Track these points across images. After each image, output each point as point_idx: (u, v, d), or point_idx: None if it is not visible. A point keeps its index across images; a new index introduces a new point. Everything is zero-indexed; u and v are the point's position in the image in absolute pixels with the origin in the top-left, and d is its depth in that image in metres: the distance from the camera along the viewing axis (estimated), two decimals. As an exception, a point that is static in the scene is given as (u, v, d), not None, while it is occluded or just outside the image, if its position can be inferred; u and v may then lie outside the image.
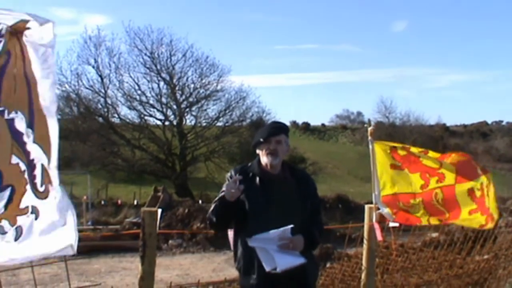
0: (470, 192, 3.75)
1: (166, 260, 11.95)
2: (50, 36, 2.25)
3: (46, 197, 2.31)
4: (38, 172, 2.28)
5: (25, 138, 2.23)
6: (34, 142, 2.26)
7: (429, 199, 3.81)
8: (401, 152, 3.91)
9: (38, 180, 2.28)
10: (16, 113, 2.19)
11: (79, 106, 29.09)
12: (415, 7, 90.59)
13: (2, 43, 2.13)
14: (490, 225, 3.74)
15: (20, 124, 2.21)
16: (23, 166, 2.23)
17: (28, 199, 2.26)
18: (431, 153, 3.91)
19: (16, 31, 2.17)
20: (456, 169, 3.79)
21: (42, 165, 2.30)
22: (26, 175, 2.24)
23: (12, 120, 2.18)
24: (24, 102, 2.22)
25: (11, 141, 2.18)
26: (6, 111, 2.16)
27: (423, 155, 3.89)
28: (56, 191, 2.36)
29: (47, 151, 2.31)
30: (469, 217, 3.71)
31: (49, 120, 2.32)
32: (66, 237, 2.42)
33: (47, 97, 2.30)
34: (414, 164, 3.87)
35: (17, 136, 2.20)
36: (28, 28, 2.19)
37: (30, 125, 2.24)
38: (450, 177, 3.79)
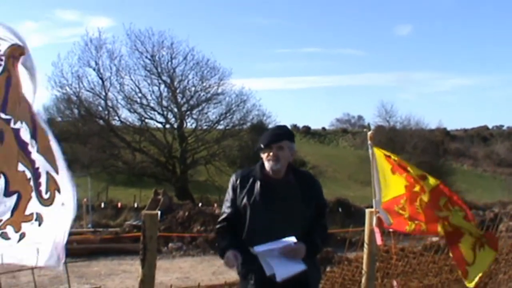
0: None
1: (166, 263, 11.95)
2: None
3: (51, 204, 2.39)
4: (43, 180, 2.36)
5: (30, 148, 2.31)
6: (38, 152, 2.34)
7: (413, 200, 3.82)
8: (394, 157, 3.94)
9: (43, 188, 2.36)
10: (22, 123, 2.28)
11: (79, 109, 29.09)
12: (419, 11, 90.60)
13: (3, 61, 2.24)
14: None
15: (25, 134, 2.30)
16: (28, 174, 2.31)
17: (33, 206, 2.34)
18: (431, 180, 3.88)
19: (13, 55, 2.27)
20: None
21: (48, 173, 2.38)
22: (31, 183, 2.32)
23: (18, 130, 2.27)
24: (27, 115, 2.32)
25: (17, 149, 2.27)
26: (12, 120, 2.25)
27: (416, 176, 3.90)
28: (64, 198, 2.44)
29: (52, 161, 2.40)
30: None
31: (50, 134, 2.44)
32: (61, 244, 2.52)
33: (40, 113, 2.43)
34: (401, 169, 3.89)
35: (23, 145, 2.29)
36: (23, 54, 2.30)
37: (33, 136, 2.33)
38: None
